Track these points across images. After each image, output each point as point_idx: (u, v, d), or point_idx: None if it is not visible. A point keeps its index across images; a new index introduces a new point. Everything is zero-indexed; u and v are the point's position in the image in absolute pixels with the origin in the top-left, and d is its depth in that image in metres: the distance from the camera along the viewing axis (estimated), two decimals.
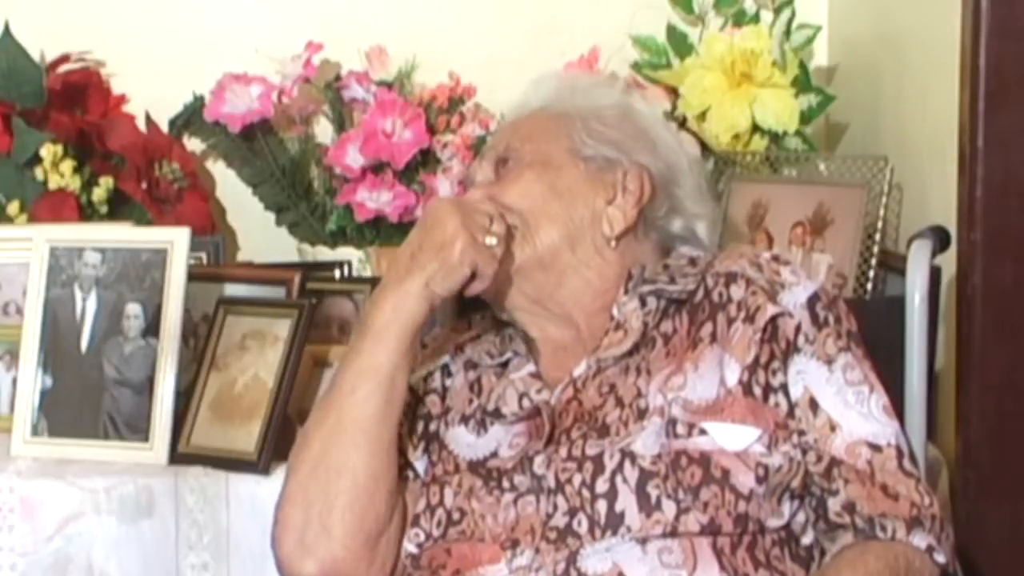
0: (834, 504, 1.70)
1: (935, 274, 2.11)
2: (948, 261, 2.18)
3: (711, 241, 1.92)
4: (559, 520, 1.71)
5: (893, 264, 2.30)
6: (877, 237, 2.32)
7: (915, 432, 2.03)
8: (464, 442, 1.82)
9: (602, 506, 1.69)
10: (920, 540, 1.67)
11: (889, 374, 1.87)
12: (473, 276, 1.78)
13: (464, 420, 1.83)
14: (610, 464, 1.70)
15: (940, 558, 1.68)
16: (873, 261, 2.32)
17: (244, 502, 2.06)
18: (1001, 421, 2.15)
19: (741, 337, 1.74)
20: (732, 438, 1.70)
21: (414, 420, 1.87)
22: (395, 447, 1.80)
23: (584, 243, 1.84)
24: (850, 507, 1.69)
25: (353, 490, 1.77)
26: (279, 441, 2.09)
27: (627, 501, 1.68)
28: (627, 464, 1.70)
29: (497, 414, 1.81)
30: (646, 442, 1.70)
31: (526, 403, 1.80)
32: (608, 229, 1.85)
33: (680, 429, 1.71)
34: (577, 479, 1.71)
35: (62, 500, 2.05)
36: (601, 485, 1.69)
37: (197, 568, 2.06)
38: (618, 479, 1.69)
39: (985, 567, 2.10)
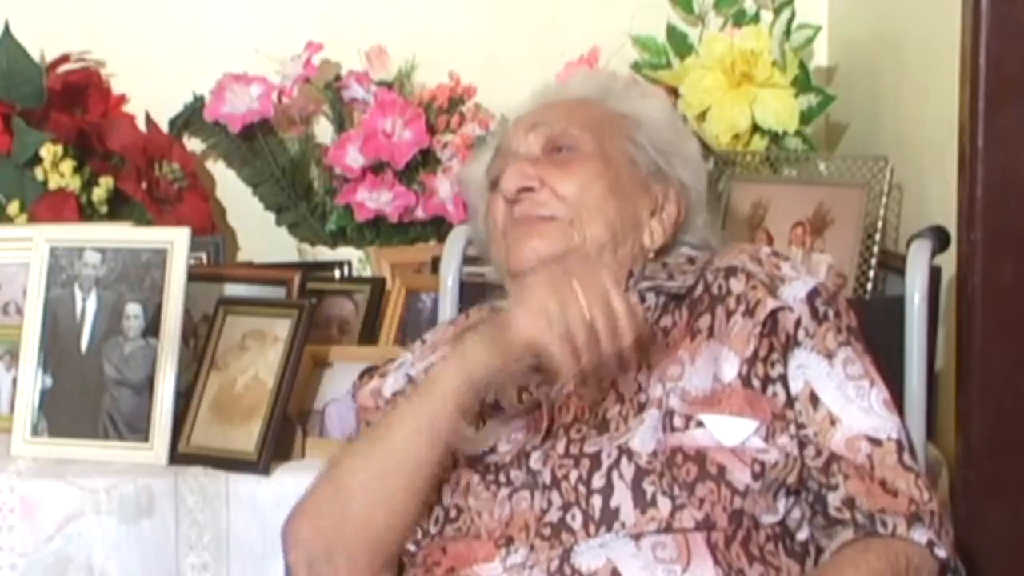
0: (833, 499, 1.70)
1: (935, 274, 2.11)
2: (948, 261, 2.18)
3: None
4: (553, 515, 1.70)
5: (893, 264, 2.30)
6: (877, 237, 2.32)
7: (915, 432, 2.02)
8: (463, 436, 1.80)
9: (597, 501, 1.68)
10: (920, 535, 1.67)
11: (889, 374, 1.86)
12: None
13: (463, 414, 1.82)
14: (607, 460, 1.70)
15: (940, 553, 1.67)
16: (873, 261, 2.32)
17: (244, 502, 2.06)
18: (1001, 421, 2.15)
19: (740, 330, 1.74)
20: (729, 431, 1.69)
21: None
22: (427, 509, 1.76)
23: (624, 248, 1.84)
24: (850, 503, 1.69)
25: (373, 544, 1.74)
26: (279, 441, 2.09)
27: (622, 497, 1.68)
28: (624, 460, 1.69)
29: (496, 407, 1.80)
30: (643, 438, 1.70)
31: (525, 396, 1.79)
32: (649, 241, 1.86)
33: (677, 422, 1.70)
34: (573, 475, 1.70)
35: (62, 500, 2.06)
36: (597, 481, 1.69)
37: (197, 568, 2.06)
38: (614, 475, 1.69)
39: (985, 567, 2.10)
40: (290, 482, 1.93)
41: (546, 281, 1.66)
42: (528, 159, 1.85)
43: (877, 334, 1.89)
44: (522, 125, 1.90)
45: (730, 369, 1.72)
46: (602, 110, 1.89)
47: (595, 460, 1.70)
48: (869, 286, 2.30)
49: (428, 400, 1.71)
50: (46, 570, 2.05)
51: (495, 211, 1.87)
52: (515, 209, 1.84)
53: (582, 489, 1.69)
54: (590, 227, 1.81)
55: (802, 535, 1.73)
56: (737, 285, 1.77)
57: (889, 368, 1.93)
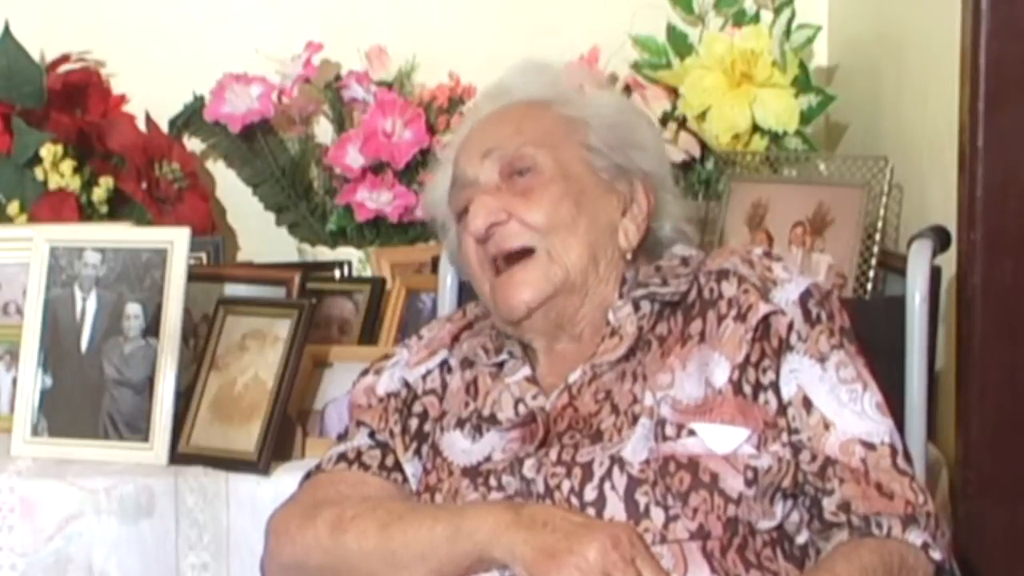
0: (829, 504, 1.69)
1: (935, 274, 2.11)
2: (948, 261, 2.18)
3: (697, 238, 1.91)
4: None
5: (893, 264, 2.30)
6: (877, 237, 2.32)
7: (915, 432, 2.03)
8: (459, 448, 1.79)
9: (591, 514, 1.67)
10: (915, 537, 1.66)
11: (889, 374, 1.87)
12: None
13: (460, 424, 1.81)
14: (599, 471, 1.68)
15: (935, 555, 1.67)
16: (873, 261, 2.31)
17: (244, 502, 2.06)
18: (1001, 421, 2.15)
19: (732, 335, 1.73)
20: (721, 439, 1.68)
21: (408, 417, 1.85)
22: None
23: (605, 258, 1.81)
24: (845, 506, 1.68)
25: None
26: (279, 441, 2.09)
27: (616, 509, 1.66)
28: (616, 471, 1.68)
29: (493, 420, 1.79)
30: (635, 447, 1.68)
31: (521, 409, 1.78)
32: (624, 242, 1.82)
33: (669, 431, 1.69)
34: (566, 485, 1.69)
35: (62, 500, 2.06)
36: (590, 493, 1.68)
37: (197, 568, 2.06)
38: (606, 486, 1.67)
39: (984, 567, 2.10)
40: (290, 482, 1.92)
41: (603, 549, 1.60)
42: (488, 190, 1.81)
43: (877, 334, 1.89)
44: (475, 151, 1.84)
45: (721, 374, 1.71)
46: (551, 118, 1.84)
47: (587, 470, 1.69)
48: (869, 286, 2.30)
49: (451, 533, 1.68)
50: (46, 570, 2.05)
51: (467, 248, 1.83)
52: (488, 246, 1.80)
53: (575, 501, 1.68)
54: (568, 254, 1.78)
55: (801, 539, 1.72)
56: (729, 289, 1.76)
57: (889, 368, 1.93)
